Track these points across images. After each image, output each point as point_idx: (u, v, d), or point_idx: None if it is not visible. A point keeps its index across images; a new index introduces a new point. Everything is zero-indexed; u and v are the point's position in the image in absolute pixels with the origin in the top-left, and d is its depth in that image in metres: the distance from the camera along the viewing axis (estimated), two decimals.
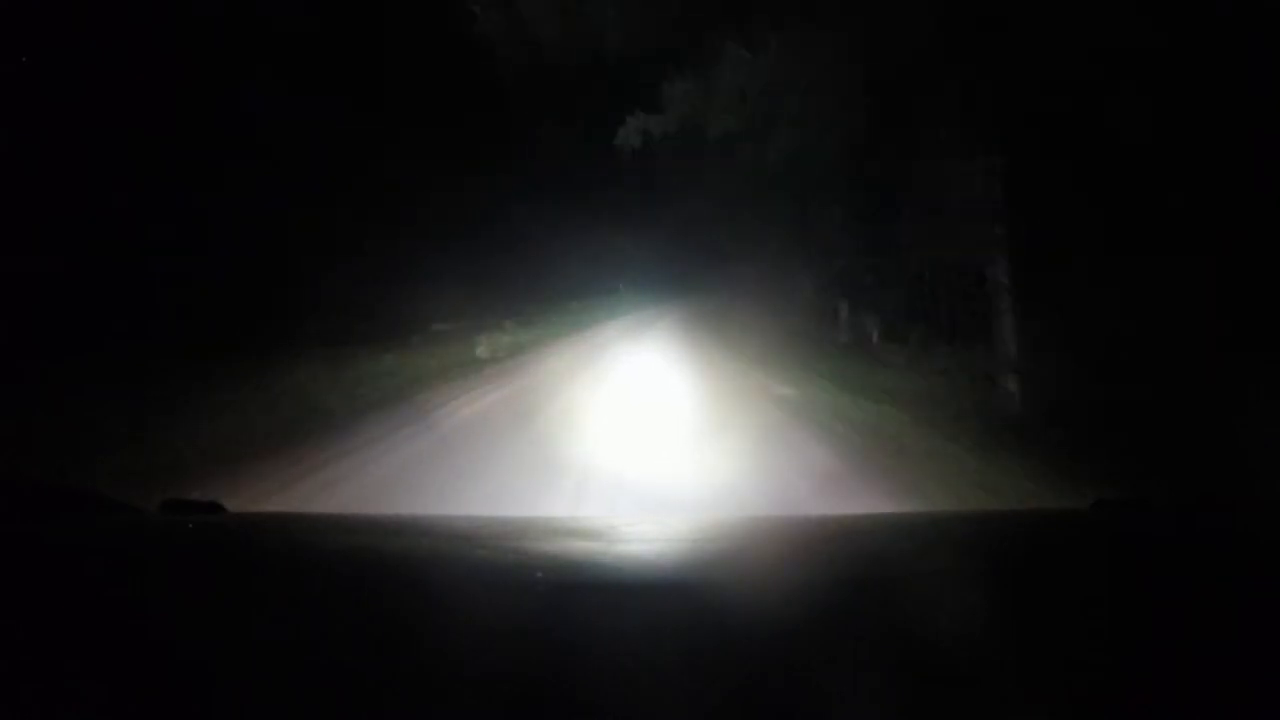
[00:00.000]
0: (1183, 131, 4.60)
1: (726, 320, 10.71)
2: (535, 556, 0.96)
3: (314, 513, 2.90)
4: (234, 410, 5.14)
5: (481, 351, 8.36)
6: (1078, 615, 0.69)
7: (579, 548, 1.00)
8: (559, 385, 7.21)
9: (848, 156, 7.46)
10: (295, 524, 1.28)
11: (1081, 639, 0.63)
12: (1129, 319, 4.77)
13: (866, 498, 3.83)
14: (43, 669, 0.56)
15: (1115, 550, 0.92)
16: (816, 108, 6.91)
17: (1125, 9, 4.63)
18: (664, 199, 12.83)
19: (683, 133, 8.02)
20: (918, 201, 7.20)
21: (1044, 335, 5.73)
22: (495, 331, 9.30)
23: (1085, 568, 0.85)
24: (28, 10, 5.52)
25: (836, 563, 0.94)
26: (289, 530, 1.14)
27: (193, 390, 5.21)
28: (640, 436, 4.81)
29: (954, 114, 6.18)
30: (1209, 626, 0.65)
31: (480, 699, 0.53)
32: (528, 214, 10.86)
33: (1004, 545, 1.00)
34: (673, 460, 4.02)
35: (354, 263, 8.11)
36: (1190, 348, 4.31)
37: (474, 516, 1.32)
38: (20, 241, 5.14)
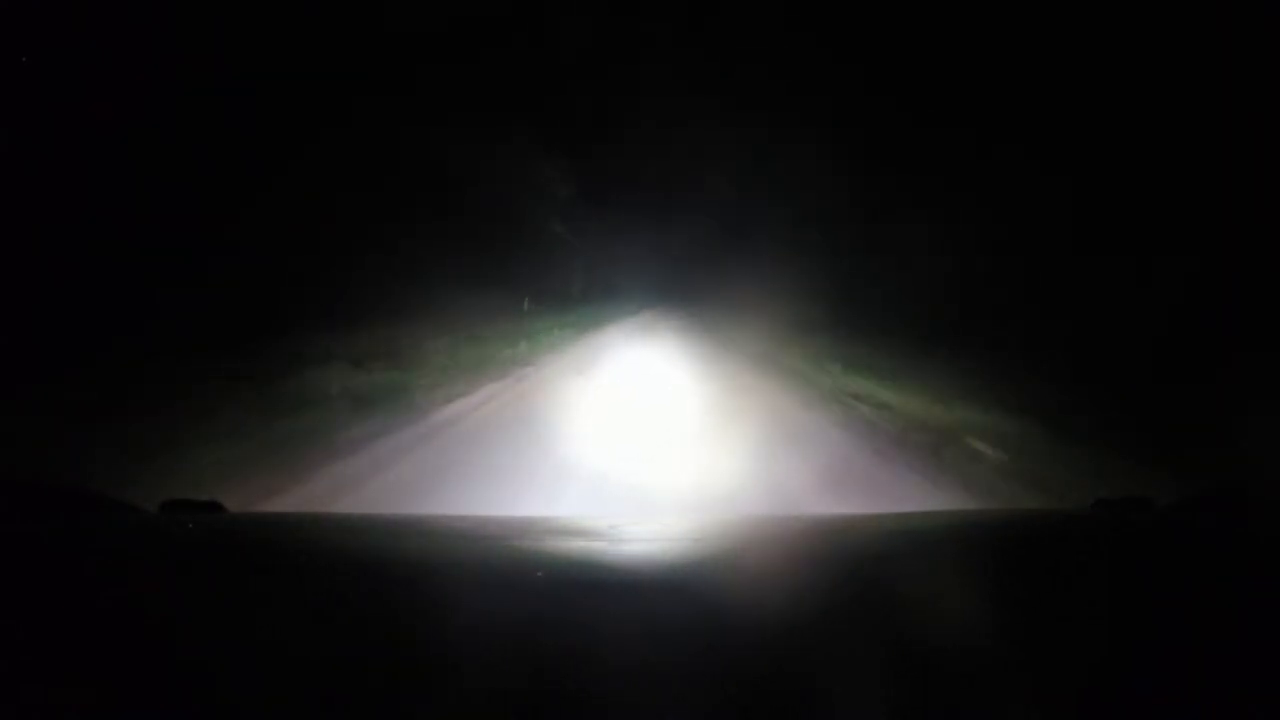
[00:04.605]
0: (1173, 131, 4.60)
1: None
2: (535, 556, 0.96)
3: (314, 512, 2.89)
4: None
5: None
6: (1078, 615, 0.69)
7: (579, 548, 1.00)
8: None
9: None
10: (295, 524, 1.28)
11: (1081, 639, 0.63)
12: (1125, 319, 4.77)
13: None
14: (43, 669, 0.56)
15: (1115, 550, 0.92)
16: None
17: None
18: None
19: None
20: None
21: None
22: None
23: (1085, 568, 0.85)
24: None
25: (836, 563, 0.94)
26: (289, 530, 1.14)
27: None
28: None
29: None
30: (1209, 626, 0.65)
31: (480, 699, 0.53)
32: None
33: (1004, 545, 1.00)
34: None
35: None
36: (1190, 346, 4.30)
37: (474, 516, 1.32)
38: (22, 243, 5.14)
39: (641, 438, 4.79)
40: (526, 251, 11.70)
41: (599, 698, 0.53)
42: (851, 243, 9.06)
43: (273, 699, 0.53)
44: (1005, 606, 0.71)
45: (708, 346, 9.58)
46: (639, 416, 5.58)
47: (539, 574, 0.83)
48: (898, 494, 3.89)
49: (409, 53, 8.79)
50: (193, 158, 6.41)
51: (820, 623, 0.68)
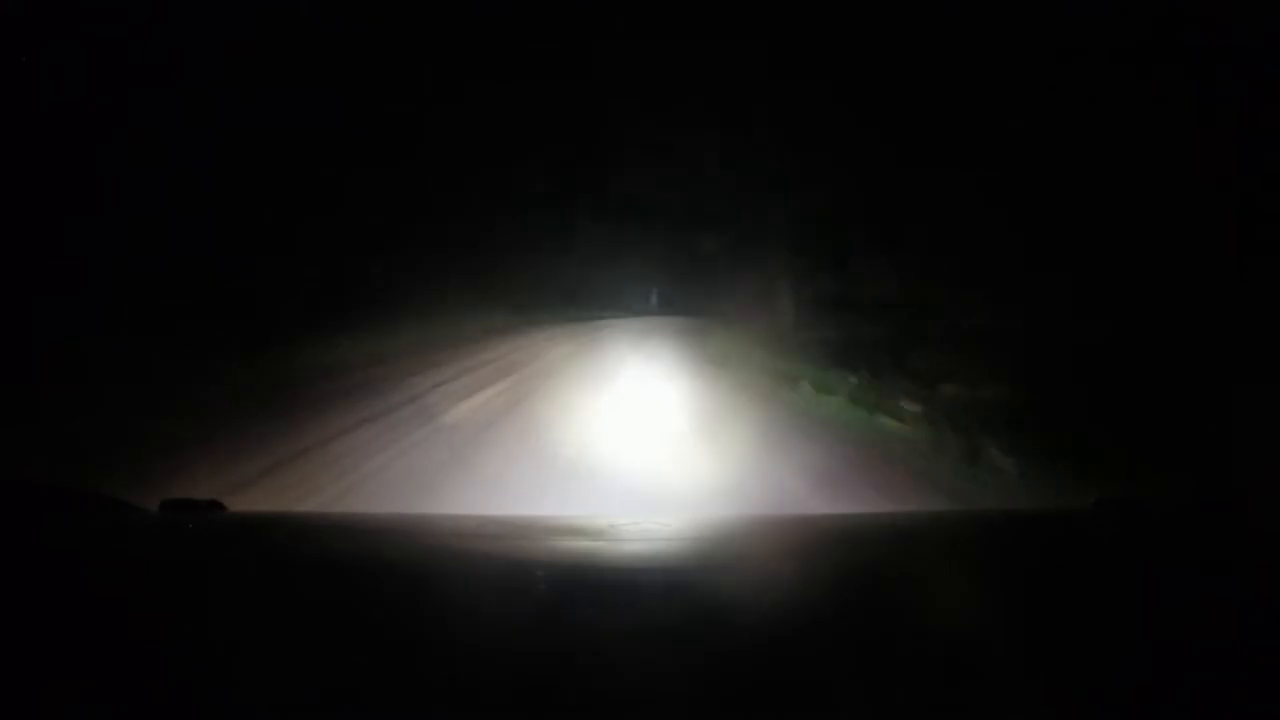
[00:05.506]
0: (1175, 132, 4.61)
1: None
2: (535, 556, 0.96)
3: (314, 512, 2.90)
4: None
5: None
6: (1078, 615, 0.69)
7: (579, 548, 1.00)
8: None
9: None
10: (295, 524, 1.28)
11: (1081, 639, 0.63)
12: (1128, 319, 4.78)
13: None
14: (43, 669, 0.56)
15: (1115, 550, 0.92)
16: None
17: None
18: None
19: None
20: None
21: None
22: None
23: (1085, 568, 0.85)
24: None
25: (836, 562, 0.94)
26: (289, 530, 1.14)
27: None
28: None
29: None
30: (1209, 626, 0.65)
31: (480, 699, 0.53)
32: None
33: (1004, 545, 1.00)
34: None
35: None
36: (1191, 347, 4.30)
37: (474, 516, 1.32)
38: (18, 237, 5.13)
39: (640, 437, 4.79)
40: (524, 253, 11.73)
41: (598, 698, 0.53)
42: (852, 246, 9.06)
43: (272, 699, 0.53)
44: (1005, 607, 0.71)
45: (706, 347, 9.58)
46: (638, 417, 5.58)
47: (539, 574, 0.83)
48: (897, 494, 3.89)
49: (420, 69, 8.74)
50: (196, 163, 6.41)
51: (820, 623, 0.68)
